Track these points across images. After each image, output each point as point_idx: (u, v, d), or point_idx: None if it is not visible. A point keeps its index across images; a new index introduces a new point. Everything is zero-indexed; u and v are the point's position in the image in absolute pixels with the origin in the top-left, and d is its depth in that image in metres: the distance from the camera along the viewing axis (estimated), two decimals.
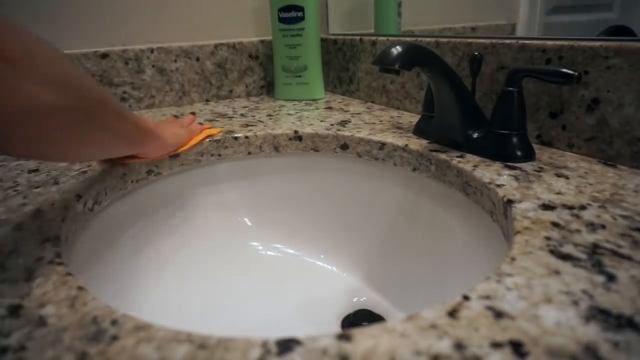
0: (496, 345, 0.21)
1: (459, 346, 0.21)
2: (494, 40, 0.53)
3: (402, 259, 0.54)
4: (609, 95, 0.43)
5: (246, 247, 0.61)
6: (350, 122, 0.64)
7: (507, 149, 0.45)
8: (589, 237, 0.30)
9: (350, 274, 0.58)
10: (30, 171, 0.49)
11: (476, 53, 0.51)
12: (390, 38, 0.73)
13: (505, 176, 0.41)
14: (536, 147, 0.48)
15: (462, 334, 0.22)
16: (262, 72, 0.92)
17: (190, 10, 0.84)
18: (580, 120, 0.46)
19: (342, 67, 0.85)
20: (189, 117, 0.61)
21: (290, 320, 0.52)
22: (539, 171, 0.42)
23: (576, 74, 0.39)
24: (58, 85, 0.28)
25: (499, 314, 0.23)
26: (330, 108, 0.75)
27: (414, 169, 0.52)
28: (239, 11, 0.88)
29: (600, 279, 0.26)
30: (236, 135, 0.59)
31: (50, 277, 0.29)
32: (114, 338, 0.23)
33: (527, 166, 0.44)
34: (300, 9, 0.78)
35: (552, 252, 0.29)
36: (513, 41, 0.51)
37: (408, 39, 0.69)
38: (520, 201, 0.36)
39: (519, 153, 0.45)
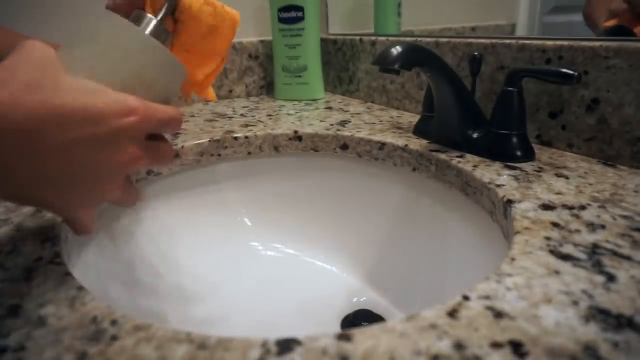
0: (496, 345, 0.21)
1: (459, 346, 0.21)
2: (493, 40, 0.53)
3: (402, 259, 0.54)
4: (608, 95, 0.43)
5: (246, 247, 0.61)
6: (350, 122, 0.64)
7: (507, 149, 0.45)
8: (588, 237, 0.30)
9: (350, 274, 0.58)
10: None
11: (476, 53, 0.51)
12: (390, 38, 0.73)
13: (505, 176, 0.41)
14: (536, 147, 0.48)
15: (462, 334, 0.22)
16: (262, 72, 0.92)
17: None
18: (580, 120, 0.46)
19: (342, 67, 0.85)
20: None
21: (290, 320, 0.52)
22: (539, 171, 0.42)
23: (576, 74, 0.39)
24: None
25: (498, 314, 0.23)
26: (330, 108, 0.75)
27: (414, 169, 0.52)
28: (238, 11, 0.88)
29: (600, 279, 0.26)
30: (236, 135, 0.59)
31: (49, 277, 0.28)
32: (114, 338, 0.23)
33: (527, 166, 0.44)
34: (300, 9, 0.78)
35: (552, 252, 0.29)
36: (513, 41, 0.51)
37: (408, 39, 0.69)
38: (520, 201, 0.36)
39: (518, 153, 0.45)
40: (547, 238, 0.30)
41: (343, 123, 0.63)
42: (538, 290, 0.25)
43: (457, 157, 0.47)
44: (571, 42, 0.45)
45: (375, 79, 0.76)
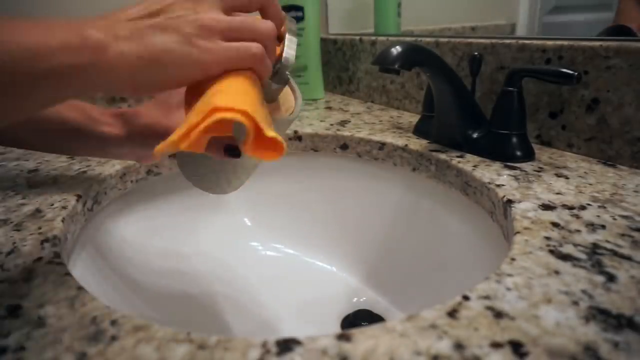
0: (496, 345, 0.21)
1: (459, 346, 0.21)
2: (493, 40, 0.53)
3: (402, 259, 0.54)
4: (608, 95, 0.43)
5: (246, 247, 0.61)
6: (350, 122, 0.64)
7: (507, 149, 0.45)
8: (588, 237, 0.30)
9: (350, 274, 0.58)
10: (29, 171, 0.49)
11: (476, 53, 0.51)
12: (390, 38, 0.73)
13: (505, 176, 0.41)
14: (536, 147, 0.48)
15: (461, 334, 0.22)
16: None
17: None
18: (580, 120, 0.46)
19: (342, 67, 0.85)
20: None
21: (290, 320, 0.52)
22: (539, 171, 0.42)
23: (576, 74, 0.39)
24: None
25: (498, 314, 0.23)
26: (330, 108, 0.75)
27: (414, 169, 0.52)
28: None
29: (600, 279, 0.26)
30: None
31: (49, 278, 0.28)
32: (114, 338, 0.23)
33: (527, 166, 0.44)
34: (300, 8, 0.78)
35: (551, 252, 0.29)
36: (513, 41, 0.51)
37: (408, 39, 0.69)
38: (520, 201, 0.36)
39: (518, 153, 0.45)
40: (547, 238, 0.30)
41: (343, 123, 0.63)
42: (538, 291, 0.25)
43: (457, 157, 0.47)
44: (571, 42, 0.45)
45: (375, 78, 0.76)
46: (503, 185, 0.39)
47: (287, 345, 0.21)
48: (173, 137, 0.25)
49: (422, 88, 0.66)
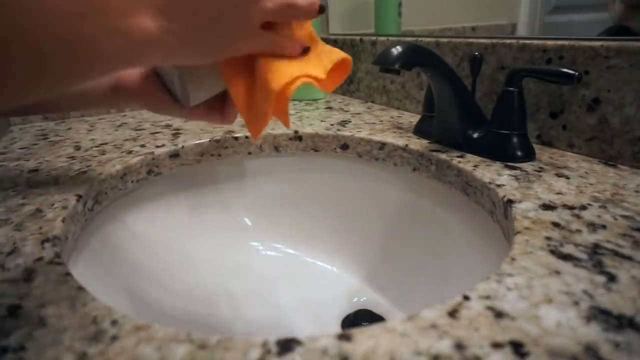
0: (496, 345, 0.21)
1: (459, 346, 0.21)
2: (494, 40, 0.53)
3: (402, 259, 0.54)
4: (609, 95, 0.43)
5: (246, 247, 0.61)
6: (350, 122, 0.64)
7: (508, 149, 0.45)
8: (589, 237, 0.30)
9: (351, 274, 0.58)
10: (30, 171, 0.49)
11: (476, 53, 0.51)
12: (391, 38, 0.73)
13: (505, 176, 0.41)
14: (536, 147, 0.48)
15: (462, 334, 0.22)
16: None
17: None
18: (580, 120, 0.46)
19: None
20: None
21: (290, 320, 0.52)
22: (540, 171, 0.42)
23: (577, 74, 0.39)
24: None
25: (499, 314, 0.23)
26: (330, 108, 0.75)
27: (414, 169, 0.52)
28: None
29: (600, 279, 0.26)
30: (236, 135, 0.59)
31: (50, 278, 0.28)
32: (114, 338, 0.23)
33: (528, 166, 0.44)
34: None
35: (552, 252, 0.29)
36: (513, 41, 0.51)
37: (408, 39, 0.68)
38: (520, 201, 0.36)
39: (519, 153, 0.45)
40: (548, 238, 0.30)
41: (343, 123, 0.63)
42: (539, 291, 0.25)
43: (458, 157, 0.47)
44: (572, 42, 0.45)
45: (375, 79, 0.76)
46: (503, 185, 0.39)
47: (287, 345, 0.21)
48: (254, 125, 0.36)
49: (423, 88, 0.66)
